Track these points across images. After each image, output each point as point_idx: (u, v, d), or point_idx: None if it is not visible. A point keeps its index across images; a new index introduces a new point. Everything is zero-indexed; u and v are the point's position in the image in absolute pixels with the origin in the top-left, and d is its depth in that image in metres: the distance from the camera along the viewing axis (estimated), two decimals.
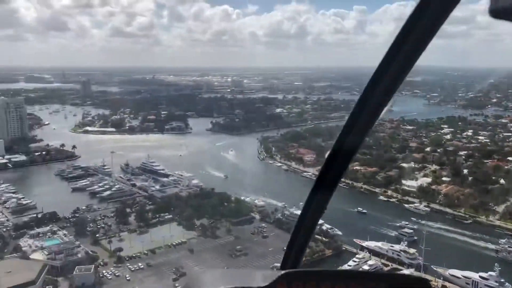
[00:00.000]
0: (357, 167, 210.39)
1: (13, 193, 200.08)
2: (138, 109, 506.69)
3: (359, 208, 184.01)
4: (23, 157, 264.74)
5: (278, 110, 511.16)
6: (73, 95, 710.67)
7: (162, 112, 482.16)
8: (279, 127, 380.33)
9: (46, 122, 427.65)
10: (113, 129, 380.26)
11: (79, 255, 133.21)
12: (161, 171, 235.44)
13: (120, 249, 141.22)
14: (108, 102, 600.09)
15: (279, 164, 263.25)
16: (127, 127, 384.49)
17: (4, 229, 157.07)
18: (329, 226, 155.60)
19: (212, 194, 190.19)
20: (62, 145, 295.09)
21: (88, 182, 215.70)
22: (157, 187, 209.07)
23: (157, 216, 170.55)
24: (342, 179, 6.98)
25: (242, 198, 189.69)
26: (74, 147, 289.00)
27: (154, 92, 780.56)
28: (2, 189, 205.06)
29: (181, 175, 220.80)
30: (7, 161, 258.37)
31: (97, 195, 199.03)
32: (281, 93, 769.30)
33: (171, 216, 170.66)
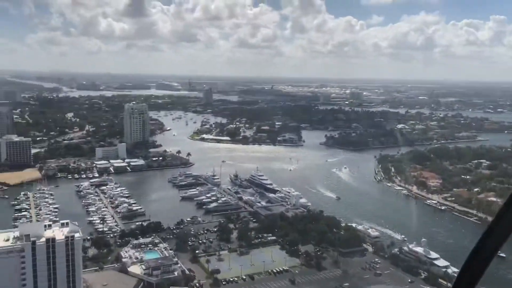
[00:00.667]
0: None
1: (126, 197, 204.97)
2: (254, 119, 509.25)
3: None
4: (141, 162, 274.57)
5: (400, 126, 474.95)
6: (196, 102, 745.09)
7: (277, 123, 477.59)
8: (400, 145, 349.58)
9: (168, 128, 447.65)
10: (228, 138, 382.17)
11: (176, 273, 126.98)
12: (269, 186, 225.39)
13: (218, 271, 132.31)
14: (227, 110, 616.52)
15: (399, 188, 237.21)
16: (241, 137, 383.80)
17: (112, 235, 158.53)
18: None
19: (320, 217, 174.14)
20: (178, 152, 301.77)
21: (196, 192, 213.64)
22: (263, 203, 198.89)
23: (260, 236, 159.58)
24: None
25: (354, 225, 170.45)
26: (189, 154, 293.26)
27: (271, 102, 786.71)
28: (117, 192, 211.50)
29: (289, 192, 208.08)
30: (126, 164, 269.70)
31: (204, 206, 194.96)
32: (404, 108, 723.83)
33: (274, 237, 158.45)
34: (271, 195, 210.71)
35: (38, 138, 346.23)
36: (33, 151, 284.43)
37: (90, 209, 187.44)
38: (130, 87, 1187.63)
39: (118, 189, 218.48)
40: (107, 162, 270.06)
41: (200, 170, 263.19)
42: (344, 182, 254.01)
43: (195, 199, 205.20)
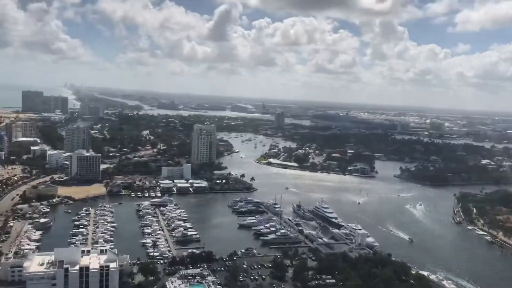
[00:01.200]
0: None
1: (184, 220, 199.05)
2: (325, 145, 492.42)
3: None
4: (204, 183, 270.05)
5: (484, 161, 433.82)
6: (268, 125, 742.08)
7: (349, 151, 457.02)
8: (484, 183, 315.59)
9: (236, 150, 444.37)
10: (295, 164, 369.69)
11: None
12: (334, 220, 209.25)
13: None
14: (297, 135, 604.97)
15: (481, 233, 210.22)
16: (309, 163, 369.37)
17: (162, 262, 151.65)
18: None
19: (387, 261, 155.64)
20: (242, 175, 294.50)
21: (255, 220, 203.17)
22: (325, 239, 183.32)
23: (318, 277, 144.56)
24: None
25: (426, 273, 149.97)
26: (252, 179, 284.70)
27: (345, 129, 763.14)
28: (175, 214, 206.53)
29: (355, 229, 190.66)
30: (189, 185, 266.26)
31: (261, 237, 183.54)
32: (489, 142, 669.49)
33: (333, 281, 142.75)
34: (335, 230, 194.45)
35: (111, 154, 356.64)
36: (103, 166, 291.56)
37: (145, 231, 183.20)
38: (206, 107, 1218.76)
39: (177, 211, 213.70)
40: (171, 181, 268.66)
41: (263, 197, 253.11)
42: (418, 221, 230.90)
43: (253, 228, 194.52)
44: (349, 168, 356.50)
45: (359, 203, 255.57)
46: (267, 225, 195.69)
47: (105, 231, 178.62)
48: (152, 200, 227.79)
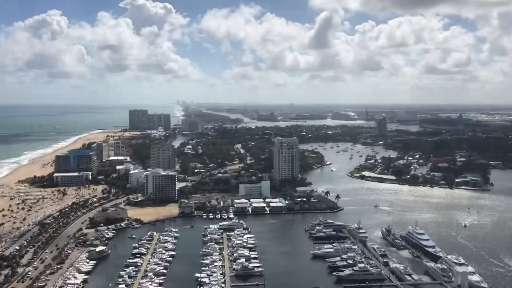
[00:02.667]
0: None
1: (250, 248, 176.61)
2: (431, 153, 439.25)
3: None
4: (281, 203, 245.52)
5: None
6: (369, 133, 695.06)
7: (459, 159, 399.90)
8: None
9: (328, 162, 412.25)
10: (393, 177, 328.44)
11: None
12: (430, 249, 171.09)
13: None
14: (400, 143, 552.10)
15: None
16: (408, 176, 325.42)
17: None
18: None
19: None
20: (327, 193, 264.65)
21: (332, 250, 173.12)
22: (415, 276, 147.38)
23: None
24: None
25: None
26: (337, 196, 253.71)
27: (457, 133, 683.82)
28: (241, 241, 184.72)
29: (455, 262, 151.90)
30: (265, 204, 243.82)
31: (335, 272, 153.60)
32: None
33: None
34: (431, 264, 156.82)
35: (196, 170, 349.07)
36: (181, 185, 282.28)
37: (204, 261, 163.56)
38: (306, 117, 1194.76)
39: (245, 236, 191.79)
40: (246, 201, 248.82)
41: (347, 218, 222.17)
42: None
43: (327, 260, 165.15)
44: (457, 180, 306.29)
45: (465, 225, 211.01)
46: (345, 256, 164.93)
47: (160, 262, 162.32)
48: (221, 223, 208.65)
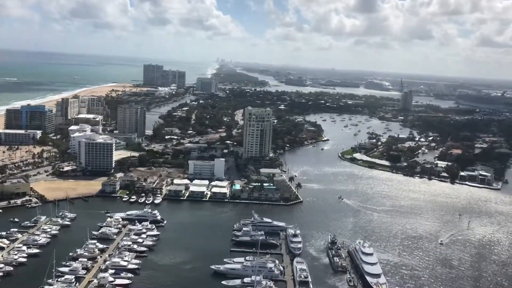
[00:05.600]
0: None
1: (139, 254, 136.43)
2: (448, 136, 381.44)
3: None
4: (224, 189, 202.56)
5: None
6: (391, 107, 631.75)
7: (478, 146, 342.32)
8: None
9: (325, 138, 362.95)
10: (386, 163, 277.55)
11: None
12: (372, 279, 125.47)
13: None
14: (420, 120, 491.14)
15: None
16: (405, 164, 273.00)
17: None
18: None
19: None
20: (291, 179, 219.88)
21: (239, 267, 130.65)
22: None
23: None
24: None
25: None
26: (298, 185, 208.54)
27: (492, 113, 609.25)
28: (131, 243, 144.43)
29: None
30: (206, 189, 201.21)
31: None
32: None
33: None
34: None
35: (168, 137, 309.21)
36: (130, 154, 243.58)
37: (59, 271, 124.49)
38: (337, 84, 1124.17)
39: (147, 233, 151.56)
40: (187, 182, 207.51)
41: (299, 215, 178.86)
42: None
43: (224, 281, 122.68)
44: (461, 173, 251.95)
45: (441, 242, 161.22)
46: (248, 280, 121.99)
47: None
48: (128, 212, 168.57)
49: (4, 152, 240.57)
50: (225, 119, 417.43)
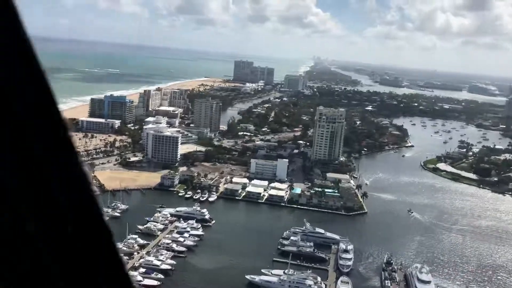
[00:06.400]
0: None
1: (176, 254, 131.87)
2: None
3: None
4: (282, 192, 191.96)
5: None
6: (493, 114, 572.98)
7: None
8: None
9: (409, 144, 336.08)
10: (473, 176, 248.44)
11: None
12: None
13: None
14: None
15: None
16: (496, 179, 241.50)
17: None
18: None
19: None
20: (359, 187, 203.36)
21: (275, 280, 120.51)
22: None
23: None
24: None
25: None
26: (364, 194, 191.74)
27: None
28: (170, 241, 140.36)
29: None
30: (263, 191, 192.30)
31: None
32: None
33: None
34: None
35: (241, 133, 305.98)
36: (197, 148, 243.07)
37: None
38: (437, 86, 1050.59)
39: (190, 233, 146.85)
40: (246, 181, 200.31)
41: (360, 227, 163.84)
42: None
43: None
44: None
45: None
46: None
47: None
48: (178, 209, 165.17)
49: (80, 139, 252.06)
50: (304, 118, 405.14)
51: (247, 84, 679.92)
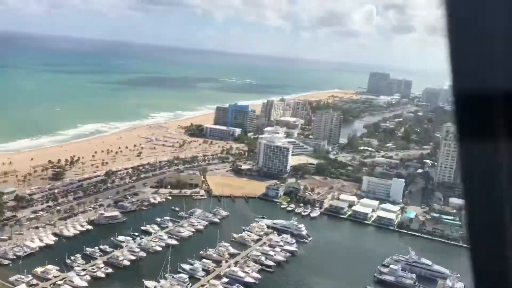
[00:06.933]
0: None
1: (262, 267, 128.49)
2: None
3: None
4: (392, 214, 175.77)
5: None
6: None
7: None
8: None
9: None
10: None
11: None
12: None
13: None
14: None
15: None
16: None
17: None
18: None
19: None
20: None
21: None
22: None
23: None
24: None
25: None
26: None
27: None
28: (259, 254, 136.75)
29: None
30: (370, 211, 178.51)
31: None
32: None
33: None
34: None
35: (361, 148, 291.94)
36: (309, 161, 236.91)
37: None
38: None
39: (282, 248, 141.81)
40: (354, 199, 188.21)
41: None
42: None
43: None
44: None
45: None
46: None
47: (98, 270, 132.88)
48: (275, 221, 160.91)
49: (200, 144, 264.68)
50: (438, 135, 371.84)
51: (381, 97, 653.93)
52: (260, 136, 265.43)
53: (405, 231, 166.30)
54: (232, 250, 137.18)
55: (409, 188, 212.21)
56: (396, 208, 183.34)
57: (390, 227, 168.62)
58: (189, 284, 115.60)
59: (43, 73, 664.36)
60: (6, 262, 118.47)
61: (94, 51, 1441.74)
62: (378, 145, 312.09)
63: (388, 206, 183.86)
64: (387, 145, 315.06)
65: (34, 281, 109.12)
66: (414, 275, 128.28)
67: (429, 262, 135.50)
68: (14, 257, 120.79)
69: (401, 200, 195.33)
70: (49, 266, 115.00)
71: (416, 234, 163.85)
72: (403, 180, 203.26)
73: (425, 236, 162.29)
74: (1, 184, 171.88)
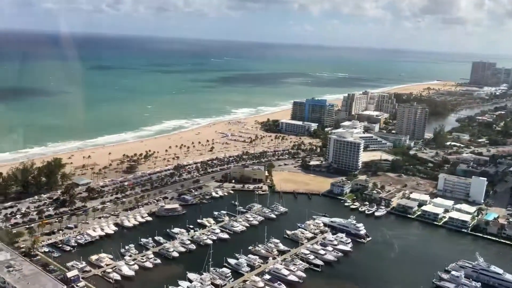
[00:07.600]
0: None
1: (303, 267, 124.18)
2: None
3: None
4: (473, 216, 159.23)
5: None
6: None
7: None
8: None
9: None
10: None
11: None
12: None
13: None
14: None
15: None
16: None
17: None
18: None
19: None
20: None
21: None
22: None
23: None
24: None
25: None
26: None
27: None
28: (307, 251, 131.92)
29: None
30: (442, 212, 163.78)
31: None
32: None
33: None
34: None
35: (448, 143, 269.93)
36: (386, 157, 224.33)
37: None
38: None
39: (335, 247, 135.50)
40: (426, 199, 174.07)
41: None
42: None
43: None
44: None
45: None
46: None
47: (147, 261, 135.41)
48: (333, 219, 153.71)
49: (272, 140, 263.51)
50: None
51: (484, 88, 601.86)
52: (331, 131, 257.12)
53: (481, 234, 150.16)
54: (282, 247, 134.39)
55: (495, 188, 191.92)
56: (473, 209, 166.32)
57: (463, 230, 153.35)
58: (231, 278, 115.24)
59: (147, 73, 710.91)
60: (68, 248, 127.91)
61: (199, 50, 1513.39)
62: (469, 140, 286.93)
63: (463, 206, 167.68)
64: (480, 140, 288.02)
65: (88, 268, 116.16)
66: (479, 284, 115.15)
67: (500, 271, 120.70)
68: (76, 244, 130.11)
69: (482, 201, 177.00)
70: (103, 254, 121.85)
71: (492, 238, 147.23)
72: (485, 179, 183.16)
73: (502, 241, 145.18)
74: (80, 176, 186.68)
